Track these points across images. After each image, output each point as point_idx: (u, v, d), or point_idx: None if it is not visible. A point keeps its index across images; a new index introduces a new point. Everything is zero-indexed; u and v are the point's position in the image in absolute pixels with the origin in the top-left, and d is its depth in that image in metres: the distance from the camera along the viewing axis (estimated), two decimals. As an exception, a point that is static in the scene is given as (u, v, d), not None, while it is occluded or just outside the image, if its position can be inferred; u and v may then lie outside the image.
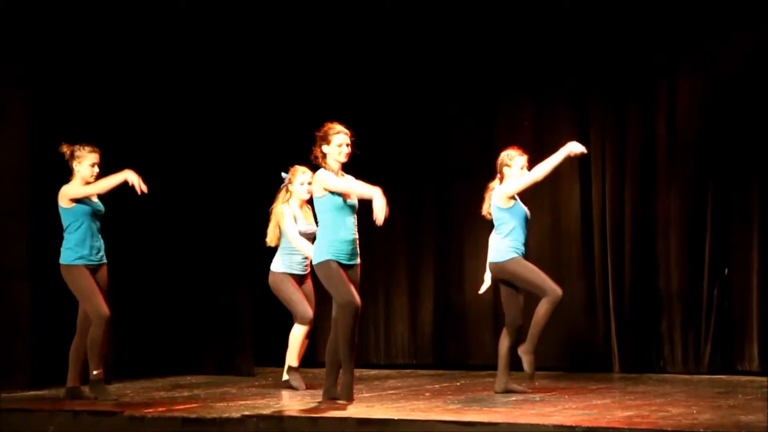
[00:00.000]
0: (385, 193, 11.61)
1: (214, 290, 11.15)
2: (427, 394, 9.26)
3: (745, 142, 10.46)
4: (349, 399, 8.35)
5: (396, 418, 7.62)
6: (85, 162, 9.06)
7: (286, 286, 9.76)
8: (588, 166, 11.07)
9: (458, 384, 10.05)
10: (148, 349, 11.06)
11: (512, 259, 9.06)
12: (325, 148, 8.52)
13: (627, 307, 10.89)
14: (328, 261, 8.41)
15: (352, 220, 8.54)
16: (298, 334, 9.76)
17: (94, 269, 9.02)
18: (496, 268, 9.14)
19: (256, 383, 10.28)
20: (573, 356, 11.10)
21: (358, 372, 11.25)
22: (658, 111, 10.86)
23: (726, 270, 10.55)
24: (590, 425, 7.20)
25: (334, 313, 8.75)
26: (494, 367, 11.07)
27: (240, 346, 11.14)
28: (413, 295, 11.81)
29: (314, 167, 8.70)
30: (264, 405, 8.57)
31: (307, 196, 9.71)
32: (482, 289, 9.47)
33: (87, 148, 9.09)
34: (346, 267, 8.50)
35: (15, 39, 10.01)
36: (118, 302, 10.51)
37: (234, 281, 11.22)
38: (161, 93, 11.14)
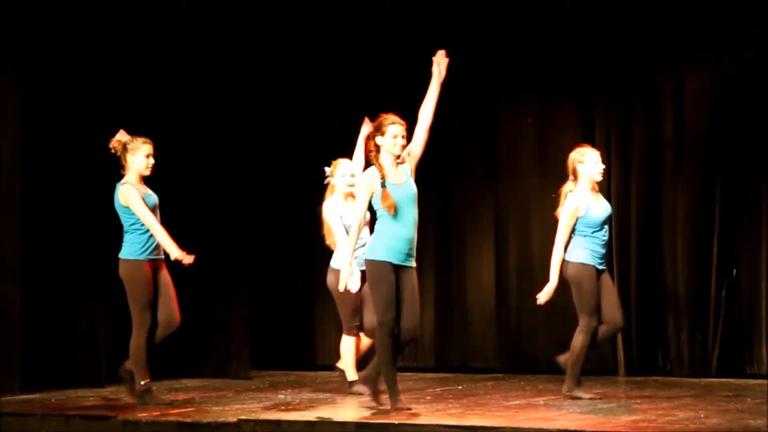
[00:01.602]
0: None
1: (211, 293, 11.08)
2: (429, 397, 9.21)
3: (753, 141, 10.44)
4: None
5: (396, 422, 7.53)
6: (139, 153, 8.78)
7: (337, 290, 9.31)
8: (593, 165, 11.01)
9: (460, 387, 9.99)
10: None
11: (578, 263, 8.75)
12: (378, 140, 8.11)
13: (633, 309, 10.82)
14: (378, 261, 7.99)
15: (411, 215, 8.02)
16: (347, 345, 9.40)
17: (155, 266, 8.73)
18: (564, 264, 8.83)
19: (253, 387, 10.22)
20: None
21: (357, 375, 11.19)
22: (664, 109, 10.83)
23: (734, 271, 10.52)
24: (595, 429, 7.17)
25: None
26: (495, 371, 11.01)
27: (236, 349, 11.05)
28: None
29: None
30: (261, 409, 8.49)
31: (350, 189, 9.35)
32: (542, 296, 8.95)
33: (140, 139, 8.84)
34: (400, 268, 7.99)
35: (11, 37, 9.93)
36: (112, 305, 10.45)
37: (230, 284, 11.16)
38: (160, 93, 11.06)
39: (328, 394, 9.52)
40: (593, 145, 9.30)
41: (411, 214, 8.01)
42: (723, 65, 10.59)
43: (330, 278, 9.41)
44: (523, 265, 11.29)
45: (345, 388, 9.48)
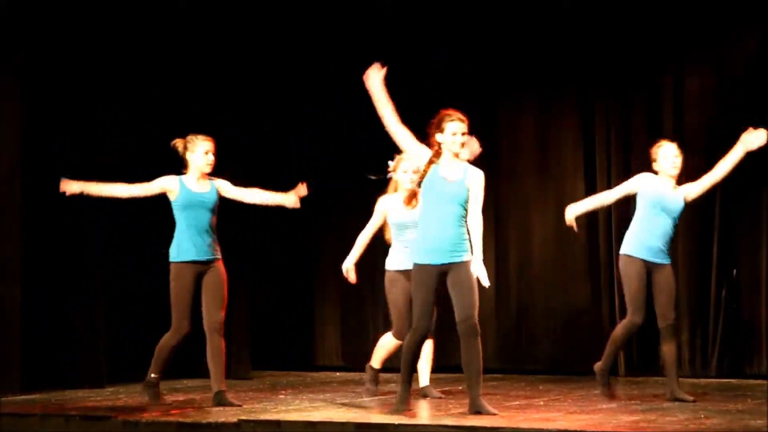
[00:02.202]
0: (386, 192, 11.60)
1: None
2: (429, 398, 9.13)
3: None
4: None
5: (396, 422, 7.51)
6: (198, 150, 8.76)
7: (394, 289, 9.07)
8: (593, 164, 11.02)
9: (460, 388, 9.96)
10: (143, 352, 10.95)
11: (625, 255, 8.64)
12: (438, 136, 7.97)
13: (633, 309, 10.78)
14: (420, 265, 7.84)
15: (451, 212, 7.86)
16: (387, 342, 9.15)
17: (201, 269, 8.64)
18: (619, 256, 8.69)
19: (253, 387, 10.19)
20: (578, 359, 11.01)
21: (357, 375, 11.18)
22: (664, 109, 10.82)
23: (734, 271, 10.51)
24: (595, 430, 7.14)
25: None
26: (495, 371, 10.99)
27: (236, 349, 11.04)
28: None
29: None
30: (261, 409, 8.47)
31: (411, 185, 9.08)
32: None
33: (200, 137, 8.82)
34: (447, 267, 7.85)
35: (11, 37, 9.93)
36: (112, 305, 10.45)
37: (230, 284, 11.12)
38: (160, 93, 11.06)
39: (328, 394, 9.51)
40: (666, 139, 9.03)
41: (456, 212, 7.81)
42: (723, 65, 10.58)
43: (385, 278, 9.18)
44: (523, 265, 11.28)
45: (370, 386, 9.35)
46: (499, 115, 11.45)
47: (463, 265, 7.81)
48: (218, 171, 11.36)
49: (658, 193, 8.64)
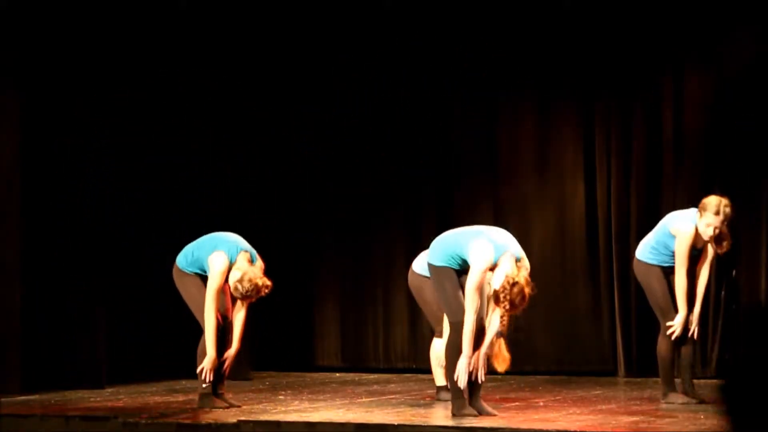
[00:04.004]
0: (386, 192, 11.63)
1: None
2: (428, 399, 9.13)
3: (754, 142, 10.40)
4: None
5: (396, 423, 7.51)
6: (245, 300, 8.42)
7: (421, 293, 8.98)
8: (593, 164, 11.00)
9: (460, 388, 9.93)
10: (143, 352, 10.96)
11: (645, 262, 8.54)
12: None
13: (633, 309, 10.78)
14: (447, 268, 7.81)
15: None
16: (440, 349, 8.74)
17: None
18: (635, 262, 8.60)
19: (253, 388, 10.17)
20: (577, 360, 11.00)
21: (357, 376, 11.19)
22: (664, 109, 10.79)
23: (734, 271, 10.47)
24: (595, 430, 7.14)
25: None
26: (495, 372, 10.95)
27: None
28: (413, 297, 11.64)
29: None
30: (260, 410, 8.45)
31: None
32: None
33: (257, 293, 8.39)
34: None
35: (11, 37, 9.91)
36: (112, 305, 10.44)
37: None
38: (160, 93, 11.05)
39: (328, 395, 9.50)
40: (726, 198, 8.49)
41: None
42: (723, 65, 10.56)
43: (412, 280, 9.10)
44: (523, 266, 11.25)
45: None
46: (499, 115, 11.43)
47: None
48: (220, 171, 11.40)
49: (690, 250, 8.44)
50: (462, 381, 7.64)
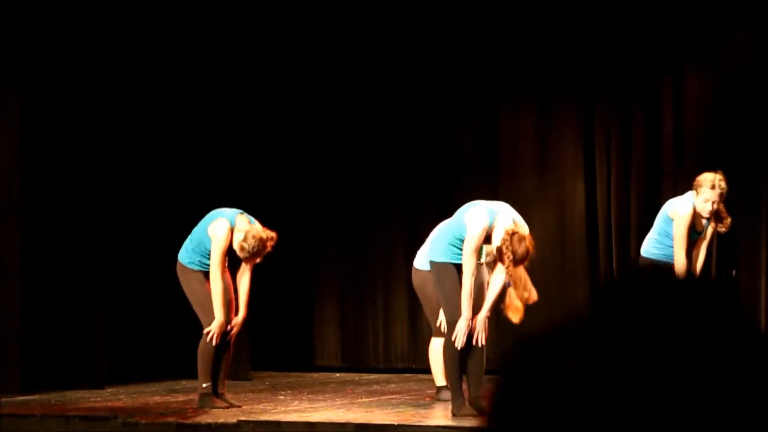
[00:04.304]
0: (386, 192, 11.62)
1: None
2: (428, 399, 9.12)
3: (754, 141, 10.39)
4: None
5: (396, 423, 7.50)
6: (252, 257, 8.39)
7: (424, 289, 8.86)
8: (593, 164, 11.00)
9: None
10: (143, 352, 10.96)
11: (652, 259, 8.47)
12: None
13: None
14: (448, 264, 7.78)
15: None
16: (437, 348, 8.72)
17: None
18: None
19: (253, 387, 10.18)
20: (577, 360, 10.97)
21: (357, 376, 11.18)
22: (664, 109, 10.79)
23: (734, 272, 10.46)
24: (595, 431, 7.06)
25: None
26: (492, 372, 10.95)
27: (236, 350, 10.98)
28: (413, 297, 11.65)
29: None
30: (260, 410, 8.45)
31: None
32: None
33: (263, 250, 8.39)
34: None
35: (11, 37, 9.91)
36: (112, 305, 10.44)
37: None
38: (160, 93, 11.04)
39: (328, 395, 9.50)
40: (721, 173, 8.51)
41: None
42: (723, 65, 10.56)
43: (414, 279, 9.05)
44: (523, 265, 11.25)
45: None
46: (499, 115, 11.43)
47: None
48: (220, 171, 11.40)
49: (691, 224, 8.39)
50: (460, 342, 7.61)
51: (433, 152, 11.66)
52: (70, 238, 10.15)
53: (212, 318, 8.40)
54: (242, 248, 8.28)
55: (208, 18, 11.23)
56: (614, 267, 10.87)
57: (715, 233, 8.51)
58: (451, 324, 7.71)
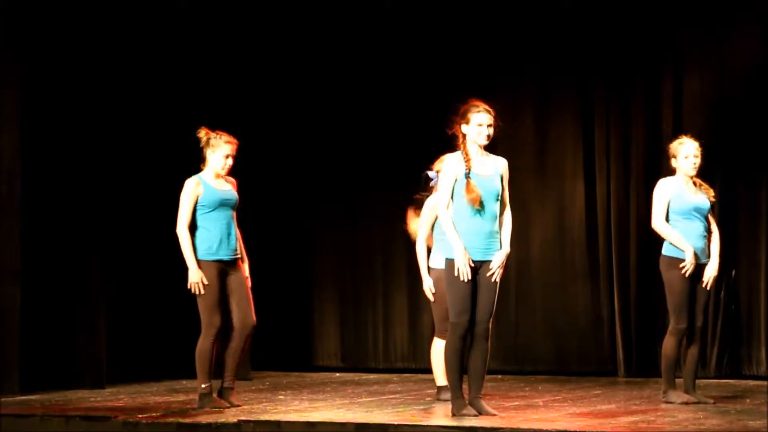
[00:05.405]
0: (385, 190, 11.61)
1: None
2: (428, 398, 9.13)
3: (753, 141, 10.41)
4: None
5: (396, 423, 7.51)
6: (218, 152, 8.55)
7: (437, 288, 8.84)
8: (592, 164, 11.01)
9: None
10: (143, 352, 10.97)
11: (670, 257, 8.38)
12: (463, 127, 7.81)
13: (632, 309, 10.78)
14: (453, 261, 7.65)
15: (493, 210, 7.66)
16: (439, 349, 8.73)
17: (224, 268, 8.50)
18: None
19: (253, 387, 10.18)
20: (577, 360, 11.00)
21: (357, 376, 11.19)
22: (664, 109, 10.80)
23: (733, 272, 10.46)
24: (595, 430, 7.13)
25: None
26: (495, 371, 10.97)
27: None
28: (413, 297, 11.68)
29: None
30: (261, 410, 8.46)
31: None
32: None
33: (224, 138, 8.60)
34: (480, 263, 7.66)
35: (11, 37, 9.92)
36: (112, 305, 10.45)
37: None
38: (160, 93, 11.05)
39: (327, 395, 9.50)
40: (688, 135, 8.71)
41: (492, 208, 7.68)
42: (723, 65, 10.57)
43: (431, 276, 8.95)
44: (522, 265, 11.26)
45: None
46: (499, 115, 11.42)
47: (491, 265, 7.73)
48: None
49: (686, 198, 8.42)
50: (464, 274, 7.57)
51: (434, 152, 11.65)
52: (70, 238, 10.16)
53: (212, 318, 8.40)
54: (215, 149, 8.58)
55: (208, 18, 11.24)
56: (614, 267, 10.87)
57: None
58: (454, 325, 7.69)
